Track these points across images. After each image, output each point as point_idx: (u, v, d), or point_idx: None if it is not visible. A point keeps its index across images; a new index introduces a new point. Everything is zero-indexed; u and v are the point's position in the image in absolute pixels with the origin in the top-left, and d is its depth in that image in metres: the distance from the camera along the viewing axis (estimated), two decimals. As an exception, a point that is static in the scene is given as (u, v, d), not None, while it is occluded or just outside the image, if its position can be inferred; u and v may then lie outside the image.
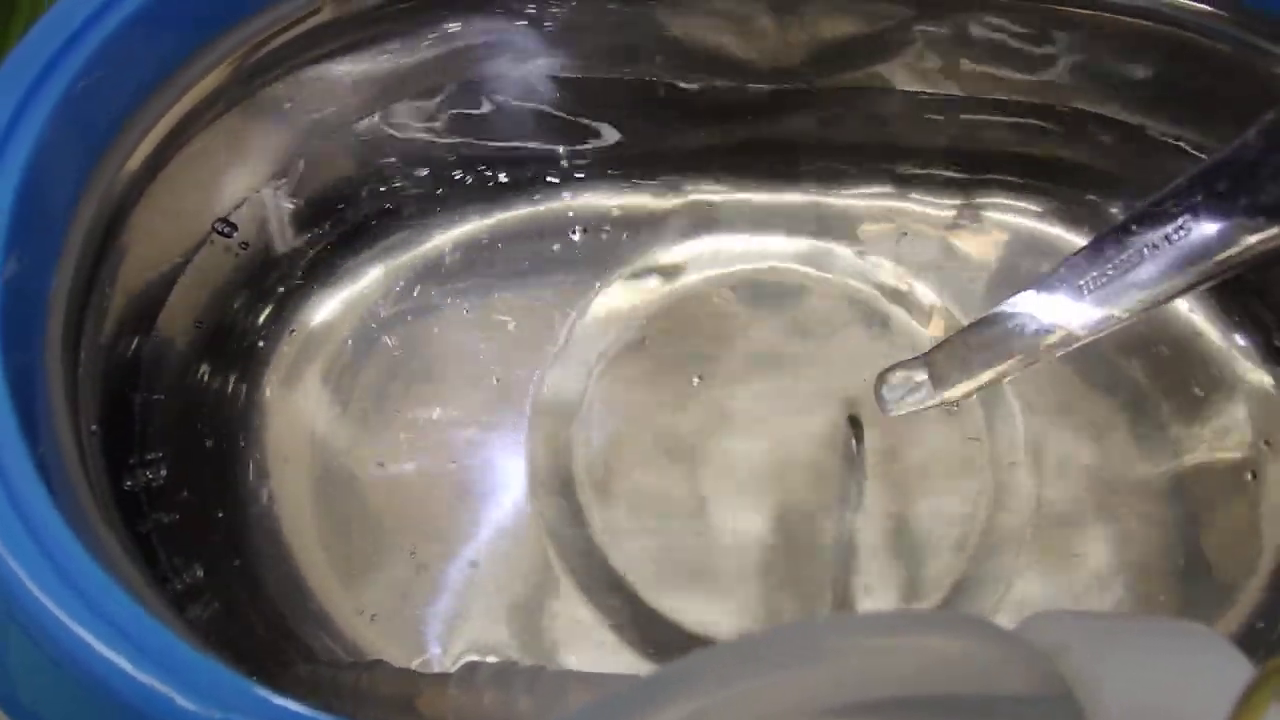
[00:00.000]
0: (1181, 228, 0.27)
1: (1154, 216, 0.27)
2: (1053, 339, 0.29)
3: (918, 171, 0.40)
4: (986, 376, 0.31)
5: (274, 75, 0.33)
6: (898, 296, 0.39)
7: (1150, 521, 0.36)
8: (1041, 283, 0.30)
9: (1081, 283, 0.29)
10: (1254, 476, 0.36)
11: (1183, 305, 0.38)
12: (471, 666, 0.27)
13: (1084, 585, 0.35)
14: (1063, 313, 0.29)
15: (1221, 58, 0.34)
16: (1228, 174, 0.26)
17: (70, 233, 0.27)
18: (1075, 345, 0.29)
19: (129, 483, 0.30)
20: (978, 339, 0.31)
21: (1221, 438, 0.37)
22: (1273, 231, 0.25)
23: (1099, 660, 0.15)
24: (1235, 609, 0.34)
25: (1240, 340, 0.38)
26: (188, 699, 0.21)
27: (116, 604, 0.22)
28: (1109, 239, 0.28)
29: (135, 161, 0.30)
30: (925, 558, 0.35)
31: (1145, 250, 0.27)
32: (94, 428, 0.27)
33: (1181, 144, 0.37)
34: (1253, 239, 0.26)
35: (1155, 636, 0.16)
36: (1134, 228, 0.28)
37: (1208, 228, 0.26)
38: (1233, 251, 0.26)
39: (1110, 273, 0.28)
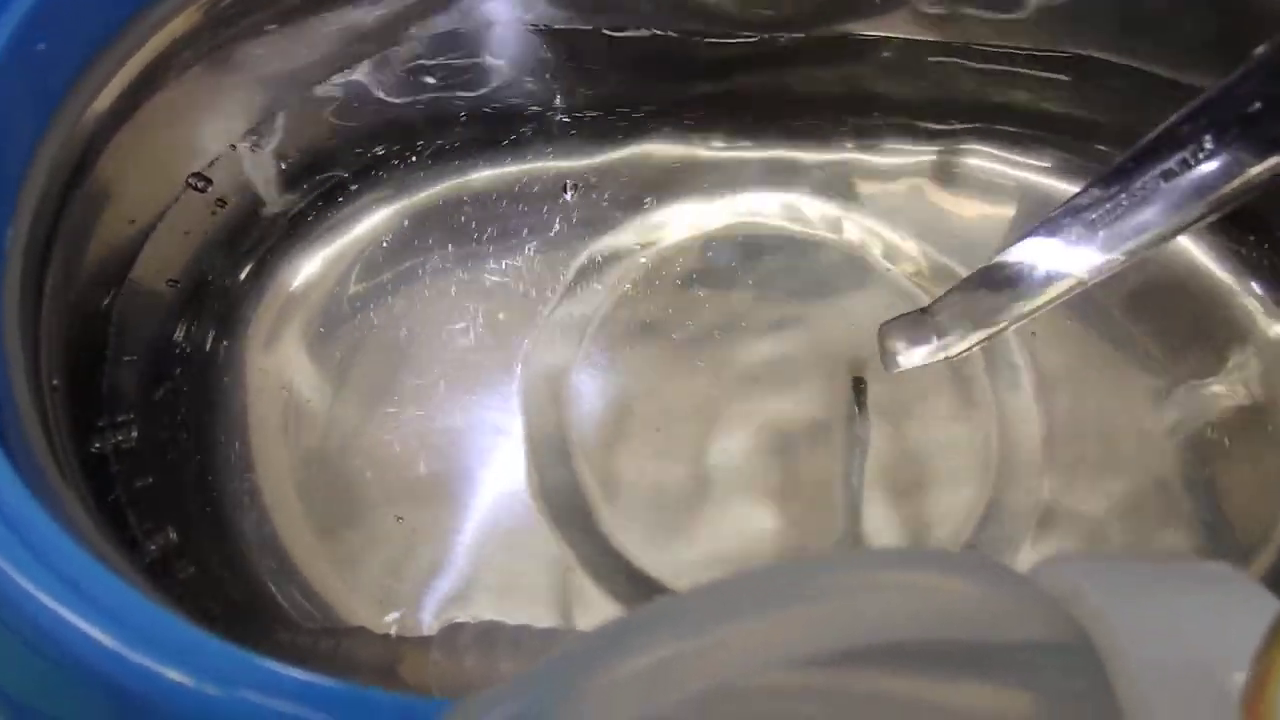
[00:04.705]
0: (1181, 163, 0.26)
1: (1152, 154, 0.27)
2: (1057, 285, 0.29)
3: (917, 124, 0.39)
4: (992, 327, 0.30)
5: (247, 23, 0.32)
6: (897, 253, 0.38)
7: (1164, 476, 0.35)
8: (1041, 228, 0.29)
9: (1083, 226, 0.28)
10: (1272, 429, 0.35)
11: (1196, 251, 0.37)
12: (455, 628, 0.26)
13: (1097, 543, 0.34)
14: (1065, 257, 0.28)
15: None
16: (1225, 107, 0.25)
17: (28, 180, 0.26)
18: (1080, 289, 0.28)
19: (97, 444, 0.29)
20: (980, 289, 0.31)
21: (1238, 389, 0.35)
22: (1273, 162, 0.25)
23: (1116, 605, 0.14)
24: (1258, 561, 0.33)
25: (1257, 288, 0.36)
26: (166, 667, 0.19)
27: (78, 566, 0.21)
28: (1108, 180, 0.28)
29: (100, 106, 0.29)
30: (932, 521, 0.34)
31: (1145, 189, 0.27)
32: (55, 383, 0.26)
33: (1193, 88, 0.35)
34: (1253, 170, 0.25)
35: (1177, 579, 0.15)
36: (1133, 166, 0.27)
37: (1208, 163, 0.26)
38: (1234, 185, 0.25)
39: (1112, 213, 0.27)
